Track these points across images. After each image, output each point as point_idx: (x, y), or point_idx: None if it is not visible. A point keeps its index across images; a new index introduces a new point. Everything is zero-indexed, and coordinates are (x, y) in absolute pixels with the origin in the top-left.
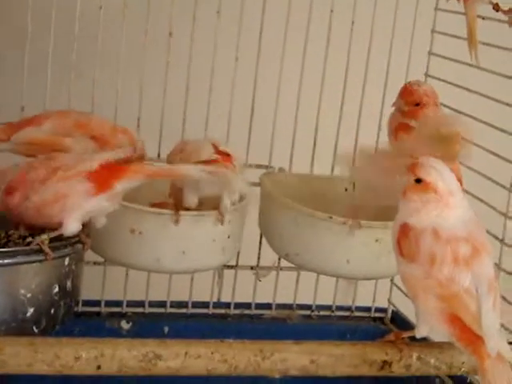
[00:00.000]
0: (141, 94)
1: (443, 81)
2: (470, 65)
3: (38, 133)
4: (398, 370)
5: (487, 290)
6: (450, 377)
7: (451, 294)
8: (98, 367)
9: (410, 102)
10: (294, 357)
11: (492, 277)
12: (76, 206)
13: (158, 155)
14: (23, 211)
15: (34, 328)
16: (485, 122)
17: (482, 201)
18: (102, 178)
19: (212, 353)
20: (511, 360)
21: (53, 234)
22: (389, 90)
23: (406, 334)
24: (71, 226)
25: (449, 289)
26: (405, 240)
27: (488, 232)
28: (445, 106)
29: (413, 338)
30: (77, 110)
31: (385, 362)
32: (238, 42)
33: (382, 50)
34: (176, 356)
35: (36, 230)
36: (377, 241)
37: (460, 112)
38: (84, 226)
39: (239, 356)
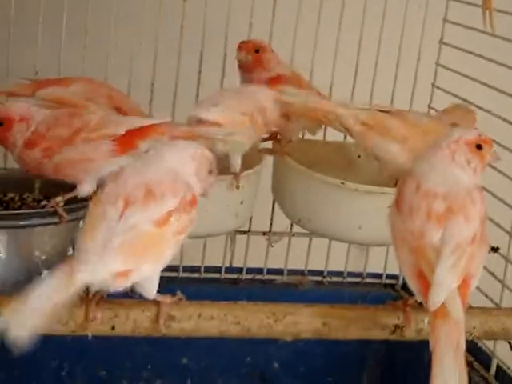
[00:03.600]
0: (155, 58)
1: (458, 48)
2: (485, 32)
3: (64, 93)
4: (409, 334)
5: (452, 250)
6: None
7: (419, 246)
8: (113, 328)
9: (250, 51)
10: (306, 320)
11: (464, 240)
12: (98, 167)
13: None
14: (42, 167)
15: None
16: (498, 90)
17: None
18: (127, 137)
19: (225, 314)
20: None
21: (67, 196)
22: (402, 61)
23: (413, 300)
24: (86, 187)
25: (418, 241)
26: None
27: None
28: (460, 74)
29: None
30: (91, 76)
31: (396, 326)
32: (252, 7)
33: (397, 14)
34: (189, 317)
35: (50, 191)
36: (389, 207)
37: (475, 80)
38: (98, 187)
39: (252, 318)
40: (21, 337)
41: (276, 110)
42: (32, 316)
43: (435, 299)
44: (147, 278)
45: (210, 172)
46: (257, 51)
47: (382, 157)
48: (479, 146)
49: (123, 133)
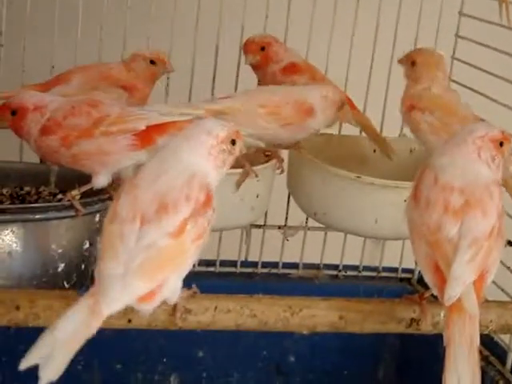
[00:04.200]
0: (170, 53)
1: (474, 41)
2: (501, 25)
3: (68, 90)
4: (425, 327)
5: (469, 244)
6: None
7: (436, 240)
8: (129, 321)
9: (256, 51)
10: (322, 313)
11: (482, 235)
12: (116, 161)
13: None
14: (59, 156)
15: (65, 283)
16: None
17: None
18: (146, 132)
19: (241, 307)
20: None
21: (83, 189)
22: None
23: (429, 293)
24: (102, 179)
25: (434, 235)
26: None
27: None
28: (476, 67)
29: None
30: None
31: (412, 319)
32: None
33: (413, 7)
34: (206, 310)
35: (66, 185)
36: (405, 201)
37: (491, 74)
38: (114, 182)
39: (268, 311)
40: (50, 375)
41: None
42: (59, 354)
43: (451, 294)
44: (171, 289)
45: (233, 142)
46: (262, 49)
47: None
48: (501, 143)
49: (143, 128)
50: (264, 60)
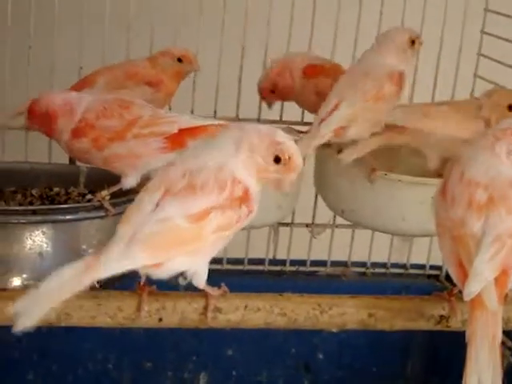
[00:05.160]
0: (196, 54)
1: (500, 38)
2: None
3: (95, 92)
4: (454, 324)
5: (492, 240)
6: (506, 332)
7: (459, 235)
8: (160, 320)
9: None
10: (352, 311)
11: (505, 232)
12: (146, 164)
13: (215, 112)
14: (90, 157)
15: (96, 283)
16: None
17: None
18: (178, 136)
19: (271, 306)
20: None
21: (113, 190)
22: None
23: (457, 289)
24: (131, 180)
25: (458, 230)
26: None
27: None
28: (503, 64)
29: None
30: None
31: (442, 316)
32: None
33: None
34: (236, 309)
35: (95, 185)
36: (433, 197)
37: None
38: (143, 181)
39: (298, 310)
40: (27, 323)
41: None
42: (40, 303)
43: (470, 290)
44: (193, 269)
45: (277, 160)
46: (273, 91)
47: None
48: None
49: (176, 131)
50: (281, 97)
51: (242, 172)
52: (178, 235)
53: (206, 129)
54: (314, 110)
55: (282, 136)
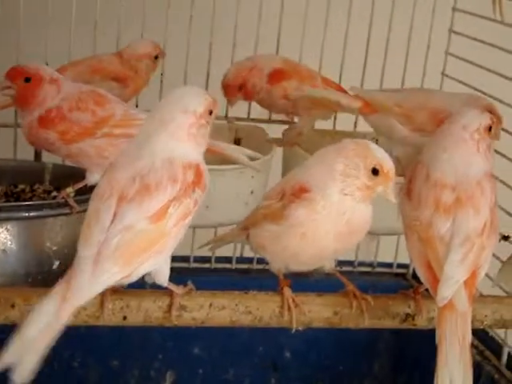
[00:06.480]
0: (164, 49)
1: (468, 37)
2: (495, 20)
3: None
4: (420, 322)
5: (461, 242)
6: (472, 331)
7: (428, 237)
8: (124, 318)
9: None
10: (317, 309)
11: (473, 232)
12: None
13: None
14: (54, 148)
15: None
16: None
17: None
18: None
19: (236, 304)
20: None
21: (77, 186)
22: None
23: (423, 288)
24: (97, 176)
25: (426, 232)
26: (411, 177)
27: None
28: (470, 62)
29: None
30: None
31: (407, 314)
32: None
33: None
34: (200, 307)
35: (61, 182)
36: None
37: (485, 68)
38: None
39: (263, 308)
40: (23, 376)
41: None
42: (27, 354)
43: (444, 294)
44: (156, 268)
45: (210, 113)
46: (240, 88)
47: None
48: (490, 128)
49: None
50: (247, 96)
51: (187, 151)
52: (143, 239)
53: None
54: (281, 112)
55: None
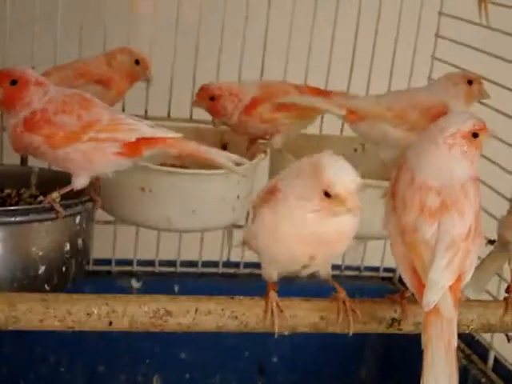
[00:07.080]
0: (150, 54)
1: (454, 41)
2: (481, 25)
3: None
4: (406, 327)
5: (446, 247)
6: (458, 335)
7: (412, 242)
8: (110, 323)
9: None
10: (303, 313)
11: (458, 237)
12: (100, 168)
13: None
14: (39, 152)
15: (46, 285)
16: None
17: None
18: (135, 144)
19: (222, 309)
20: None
21: (63, 191)
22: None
23: (410, 292)
24: (82, 181)
25: (411, 237)
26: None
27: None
28: (456, 67)
29: None
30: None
31: (394, 319)
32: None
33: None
34: (186, 312)
35: (47, 187)
36: (383, 197)
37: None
38: (94, 183)
39: (249, 313)
40: None
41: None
42: None
43: (429, 300)
44: None
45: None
46: (212, 99)
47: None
48: (475, 135)
49: (133, 140)
50: (212, 109)
51: None
52: None
53: (164, 140)
54: (261, 135)
55: None
